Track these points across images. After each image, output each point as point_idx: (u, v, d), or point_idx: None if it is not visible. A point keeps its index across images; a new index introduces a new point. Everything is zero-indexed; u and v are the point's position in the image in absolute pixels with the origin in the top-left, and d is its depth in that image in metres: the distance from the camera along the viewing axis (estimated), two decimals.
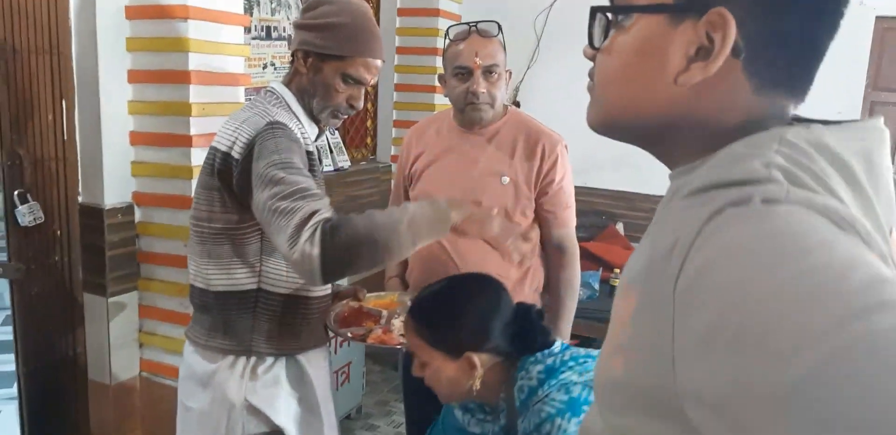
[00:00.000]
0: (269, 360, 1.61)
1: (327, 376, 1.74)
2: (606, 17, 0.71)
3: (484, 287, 1.46)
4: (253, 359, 1.60)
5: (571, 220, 2.00)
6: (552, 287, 2.03)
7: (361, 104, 1.66)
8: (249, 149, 1.45)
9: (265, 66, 2.92)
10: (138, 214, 2.40)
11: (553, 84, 3.79)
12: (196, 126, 2.28)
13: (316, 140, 1.67)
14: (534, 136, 1.91)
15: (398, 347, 1.60)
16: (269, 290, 1.58)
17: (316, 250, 1.24)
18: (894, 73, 3.64)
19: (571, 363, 1.33)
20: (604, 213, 3.75)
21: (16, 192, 2.13)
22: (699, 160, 0.67)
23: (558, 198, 1.93)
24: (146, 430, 2.52)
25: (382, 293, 1.94)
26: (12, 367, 3.68)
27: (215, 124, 2.33)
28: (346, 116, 1.69)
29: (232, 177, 1.49)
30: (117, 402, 2.45)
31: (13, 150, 2.10)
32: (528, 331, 1.39)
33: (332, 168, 3.31)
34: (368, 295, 1.86)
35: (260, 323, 1.59)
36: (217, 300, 1.58)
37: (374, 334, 1.66)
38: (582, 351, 1.39)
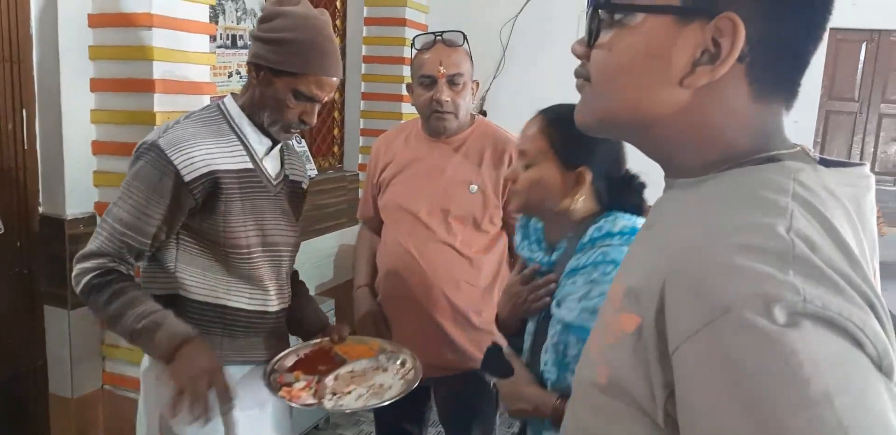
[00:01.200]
0: None
1: (252, 397, 1.62)
2: (605, 15, 0.70)
3: None
4: None
5: None
6: None
7: (314, 120, 1.62)
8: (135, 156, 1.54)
9: (230, 75, 2.90)
10: None
11: (519, 94, 3.82)
12: None
13: (268, 153, 1.64)
14: (501, 144, 1.93)
15: (294, 405, 1.52)
16: (185, 296, 1.58)
17: (77, 288, 1.51)
18: (848, 82, 3.75)
19: None
20: None
21: None
22: (710, 174, 0.68)
23: None
24: None
25: (366, 339, 1.79)
26: None
27: None
28: (297, 131, 1.65)
29: None
30: (79, 415, 2.40)
31: None
32: (630, 193, 1.34)
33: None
34: (351, 338, 1.75)
35: None
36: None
37: (293, 387, 1.56)
38: None
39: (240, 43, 2.96)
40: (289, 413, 1.79)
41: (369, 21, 3.83)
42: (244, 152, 1.58)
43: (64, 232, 2.25)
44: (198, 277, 1.58)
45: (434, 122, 1.91)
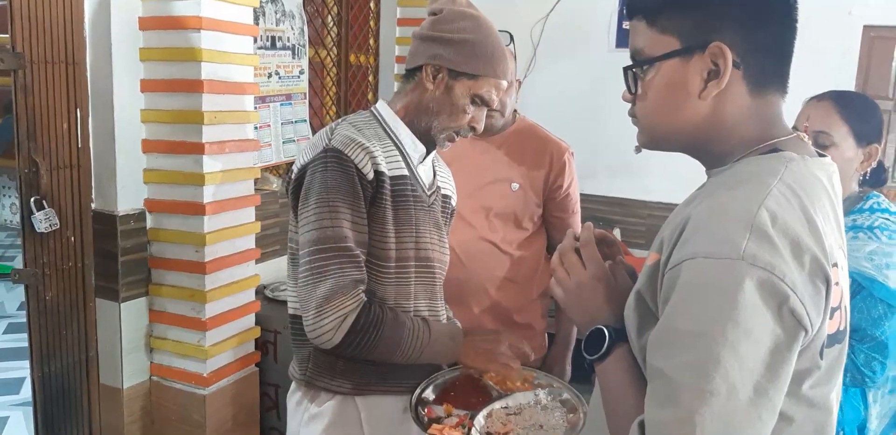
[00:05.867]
0: (324, 396, 1.49)
1: (397, 430, 1.50)
2: (634, 71, 0.96)
3: None
4: (312, 392, 1.50)
5: (577, 225, 2.06)
6: None
7: (482, 126, 1.54)
8: (301, 177, 1.42)
9: (270, 76, 2.97)
10: (150, 221, 2.44)
11: (550, 93, 3.85)
12: (207, 134, 2.33)
13: (423, 161, 1.54)
14: (542, 143, 1.97)
15: None
16: None
17: (336, 339, 1.34)
18: (882, 79, 3.73)
19: None
20: (601, 219, 3.81)
21: (32, 199, 2.16)
22: (729, 165, 0.93)
23: (565, 204, 1.99)
24: (156, 432, 2.55)
25: (520, 368, 1.54)
26: (19, 373, 3.75)
27: (225, 132, 2.40)
28: (459, 138, 1.55)
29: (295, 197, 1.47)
30: (129, 405, 2.48)
31: (30, 157, 2.14)
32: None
33: None
34: None
35: (316, 353, 1.48)
36: (291, 324, 1.53)
37: (444, 423, 1.37)
38: None
39: (279, 44, 3.03)
40: None
41: (401, 22, 3.84)
42: (400, 158, 1.48)
43: (116, 227, 2.33)
44: None
45: None
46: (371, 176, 1.39)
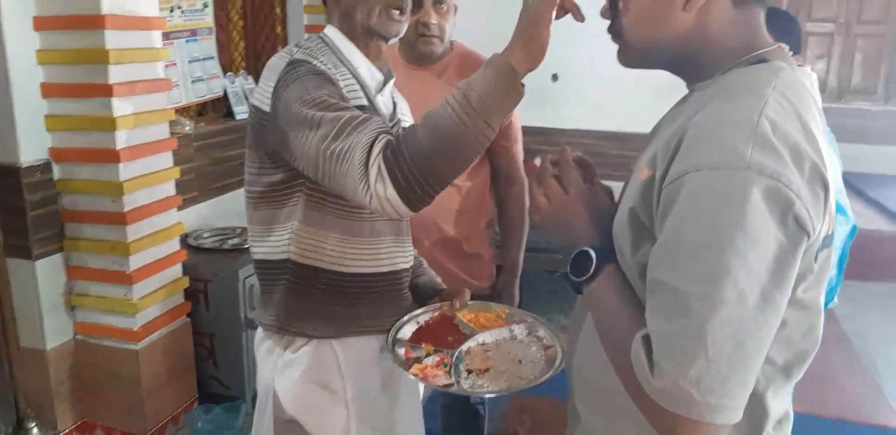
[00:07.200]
0: (299, 341, 1.42)
1: (374, 370, 1.44)
2: None
3: None
4: (286, 338, 1.42)
5: (520, 153, 2.05)
6: (504, 220, 2.08)
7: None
8: (275, 99, 1.25)
9: (172, 10, 2.76)
10: (57, 171, 2.26)
11: (484, 19, 3.76)
12: (115, 74, 2.16)
13: (381, 90, 1.40)
14: None
15: (441, 388, 1.28)
16: (298, 261, 1.36)
17: (390, 189, 1.09)
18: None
19: None
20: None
21: None
22: (716, 78, 0.92)
23: (508, 132, 1.96)
24: (87, 391, 2.45)
25: (490, 305, 1.54)
26: None
27: (134, 72, 2.23)
28: (402, 18, 1.35)
29: (266, 133, 1.29)
30: (55, 367, 2.36)
31: None
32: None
33: (246, 116, 3.19)
34: (472, 302, 1.51)
35: (288, 298, 1.39)
36: (256, 270, 1.45)
37: (425, 362, 1.33)
38: None
39: None
40: (418, 394, 1.57)
41: None
42: (358, 87, 1.34)
43: (20, 180, 2.15)
44: (316, 238, 1.35)
45: (421, 46, 1.87)
46: (361, 102, 1.28)
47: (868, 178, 4.80)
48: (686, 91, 1.00)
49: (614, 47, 1.00)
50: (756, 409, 0.87)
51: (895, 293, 4.22)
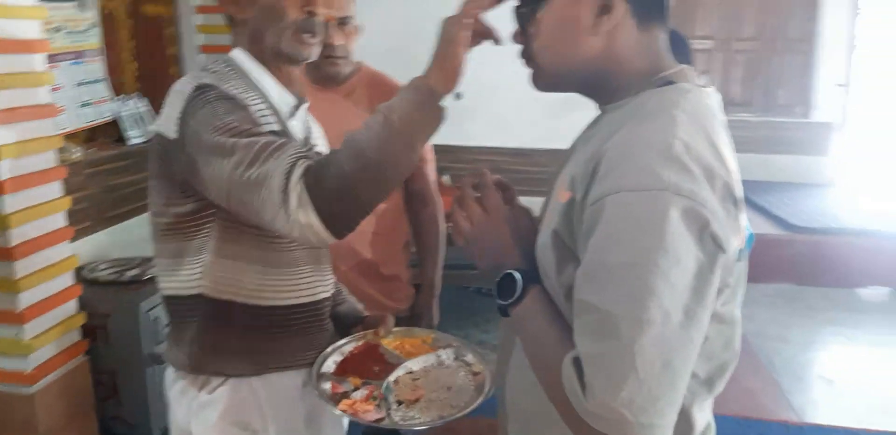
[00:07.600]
0: (215, 381, 1.32)
1: (298, 406, 1.37)
2: (525, 10, 0.97)
3: None
4: (201, 378, 1.33)
5: (432, 173, 2.04)
6: (420, 241, 2.07)
7: (323, 9, 1.28)
8: (183, 126, 1.17)
9: (57, 31, 2.61)
10: None
11: (383, 38, 3.76)
12: None
13: (294, 114, 1.34)
14: (389, 91, 1.90)
15: (372, 423, 1.22)
16: (212, 296, 1.28)
17: (312, 216, 1.05)
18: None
19: None
20: None
21: None
22: (627, 99, 0.95)
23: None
24: None
25: (414, 330, 1.50)
26: None
27: (15, 97, 2.10)
28: (314, 38, 1.29)
29: (173, 162, 1.21)
30: None
31: None
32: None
33: (142, 139, 3.06)
34: (396, 329, 1.46)
35: (202, 335, 1.31)
36: (166, 306, 1.36)
37: (353, 397, 1.27)
38: None
39: None
40: (343, 427, 1.50)
41: None
42: (269, 112, 1.27)
43: None
44: (232, 271, 1.27)
45: (327, 68, 1.84)
46: (273, 128, 1.22)
47: (751, 184, 4.99)
48: (587, 107, 1.04)
49: (517, 67, 1.01)
50: (682, 424, 0.89)
51: (782, 293, 4.45)
